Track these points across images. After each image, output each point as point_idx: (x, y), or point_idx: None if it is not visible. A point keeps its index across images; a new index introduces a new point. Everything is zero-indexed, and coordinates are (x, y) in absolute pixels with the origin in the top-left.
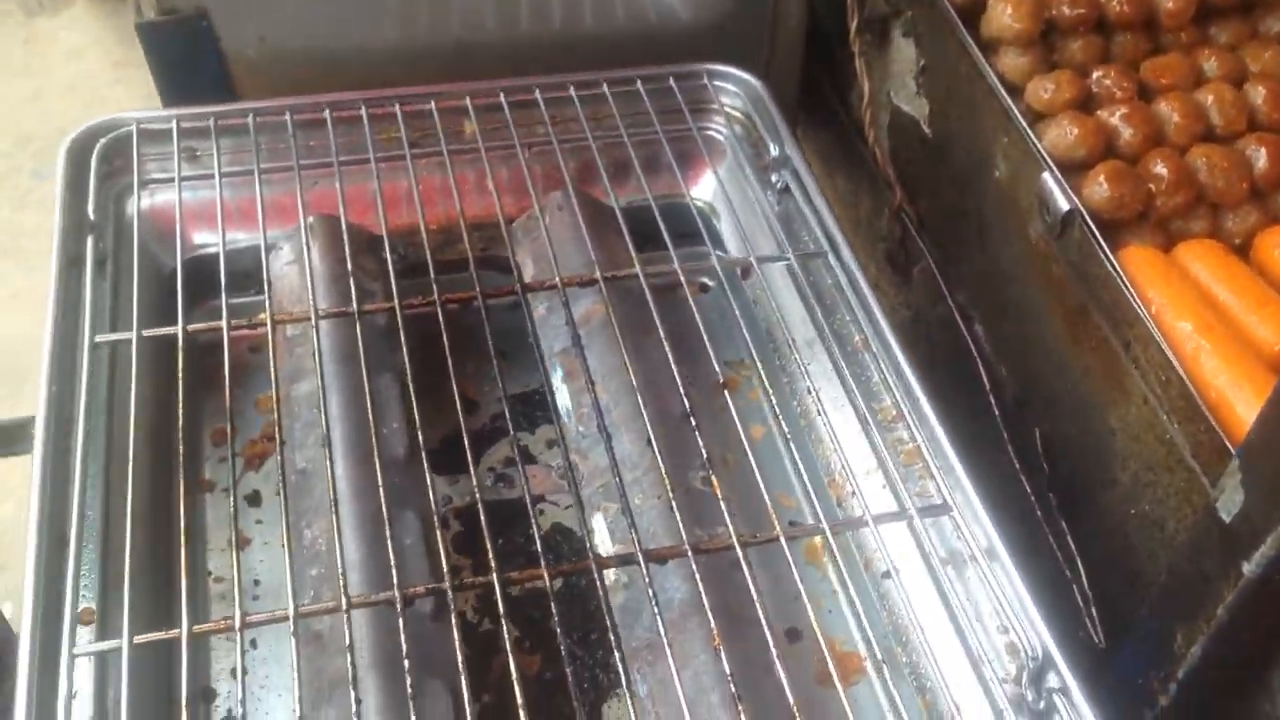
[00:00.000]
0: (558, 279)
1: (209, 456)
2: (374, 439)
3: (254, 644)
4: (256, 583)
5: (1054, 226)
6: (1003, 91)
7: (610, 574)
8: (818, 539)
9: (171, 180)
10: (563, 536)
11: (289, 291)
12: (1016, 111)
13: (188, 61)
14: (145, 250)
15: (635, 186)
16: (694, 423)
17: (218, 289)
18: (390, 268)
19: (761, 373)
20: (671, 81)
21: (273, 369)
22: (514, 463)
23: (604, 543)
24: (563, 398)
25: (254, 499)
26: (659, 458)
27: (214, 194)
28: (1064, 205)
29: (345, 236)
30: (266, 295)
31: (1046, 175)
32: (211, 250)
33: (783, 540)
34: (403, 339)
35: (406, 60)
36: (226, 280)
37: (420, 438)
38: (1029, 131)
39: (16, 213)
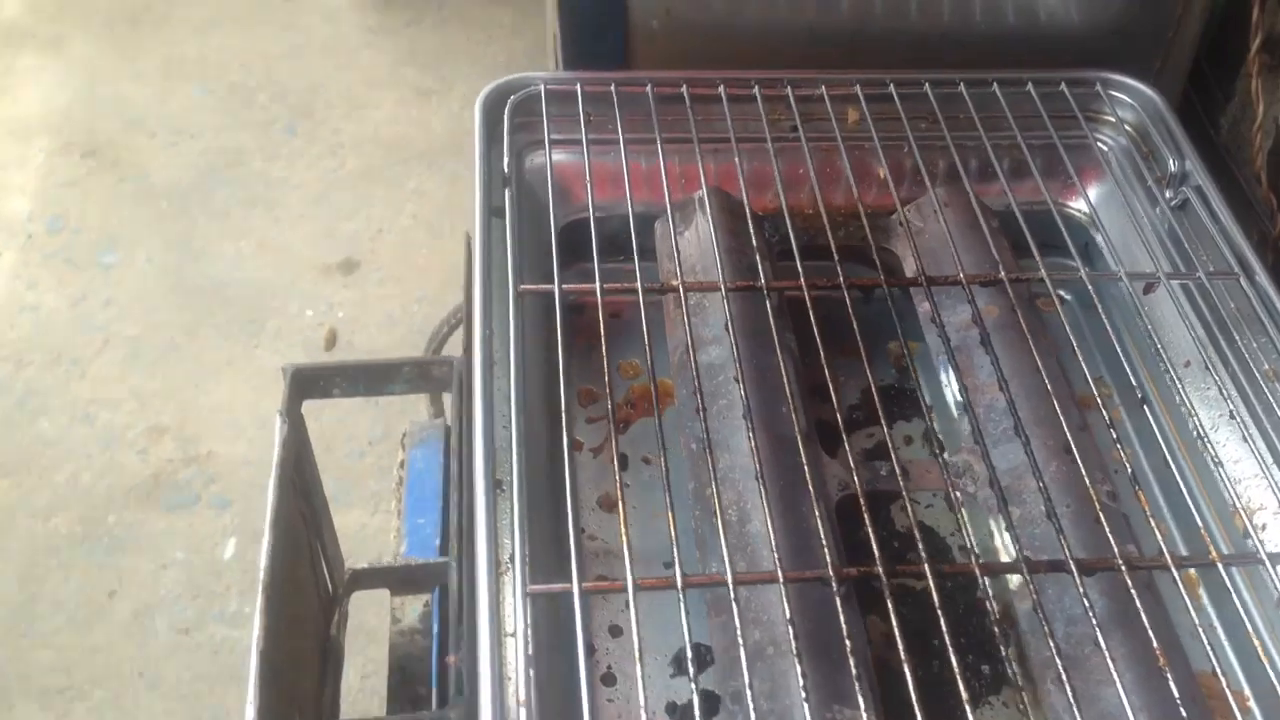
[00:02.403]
0: (961, 275)
1: (576, 416)
2: (793, 415)
3: (627, 606)
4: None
5: None
6: None
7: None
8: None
9: (569, 141)
10: (926, 535)
11: (685, 260)
12: None
13: (596, 29)
14: (545, 207)
15: (1018, 188)
16: (1114, 435)
17: (605, 250)
18: (793, 245)
19: (1120, 394)
20: (1064, 86)
21: (687, 334)
22: (878, 455)
23: (1004, 547)
24: (952, 396)
25: (622, 462)
26: (1079, 465)
27: (609, 158)
28: None
29: (746, 211)
30: (677, 263)
31: None
32: (601, 214)
33: (1220, 566)
34: (811, 319)
35: (793, 43)
36: (616, 244)
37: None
38: None
39: (269, 163)
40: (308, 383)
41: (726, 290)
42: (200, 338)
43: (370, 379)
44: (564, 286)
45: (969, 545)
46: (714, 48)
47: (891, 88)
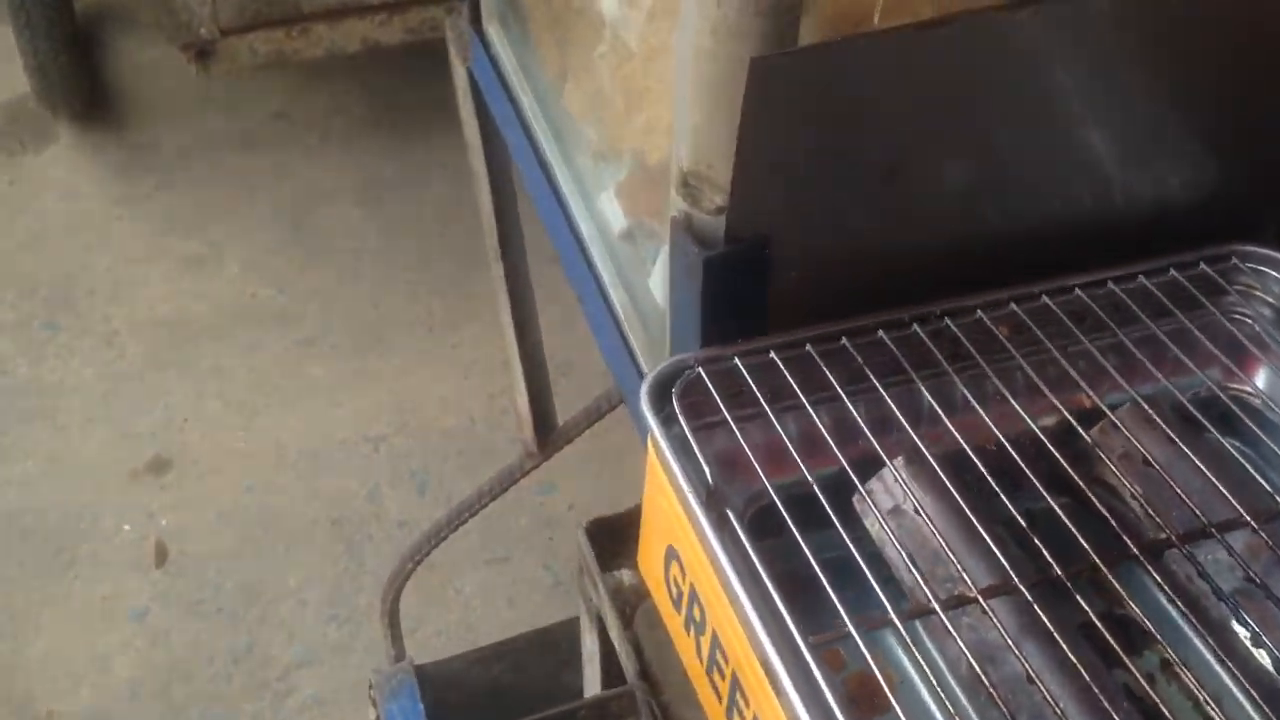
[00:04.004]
0: (1249, 518)
1: None
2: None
3: None
4: None
5: None
6: None
7: None
8: None
9: (748, 416)
10: None
11: (919, 549)
12: None
13: (739, 292)
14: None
15: (1191, 379)
16: None
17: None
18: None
19: None
20: (1203, 265)
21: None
22: None
23: None
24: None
25: None
26: None
27: (777, 430)
28: None
29: (966, 459)
30: (948, 556)
31: None
32: (798, 491)
33: None
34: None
35: (927, 263)
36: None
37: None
38: None
39: (37, 368)
40: None
41: (1028, 587)
42: (5, 581)
43: None
44: (858, 629)
45: None
46: (846, 282)
47: (1045, 298)
